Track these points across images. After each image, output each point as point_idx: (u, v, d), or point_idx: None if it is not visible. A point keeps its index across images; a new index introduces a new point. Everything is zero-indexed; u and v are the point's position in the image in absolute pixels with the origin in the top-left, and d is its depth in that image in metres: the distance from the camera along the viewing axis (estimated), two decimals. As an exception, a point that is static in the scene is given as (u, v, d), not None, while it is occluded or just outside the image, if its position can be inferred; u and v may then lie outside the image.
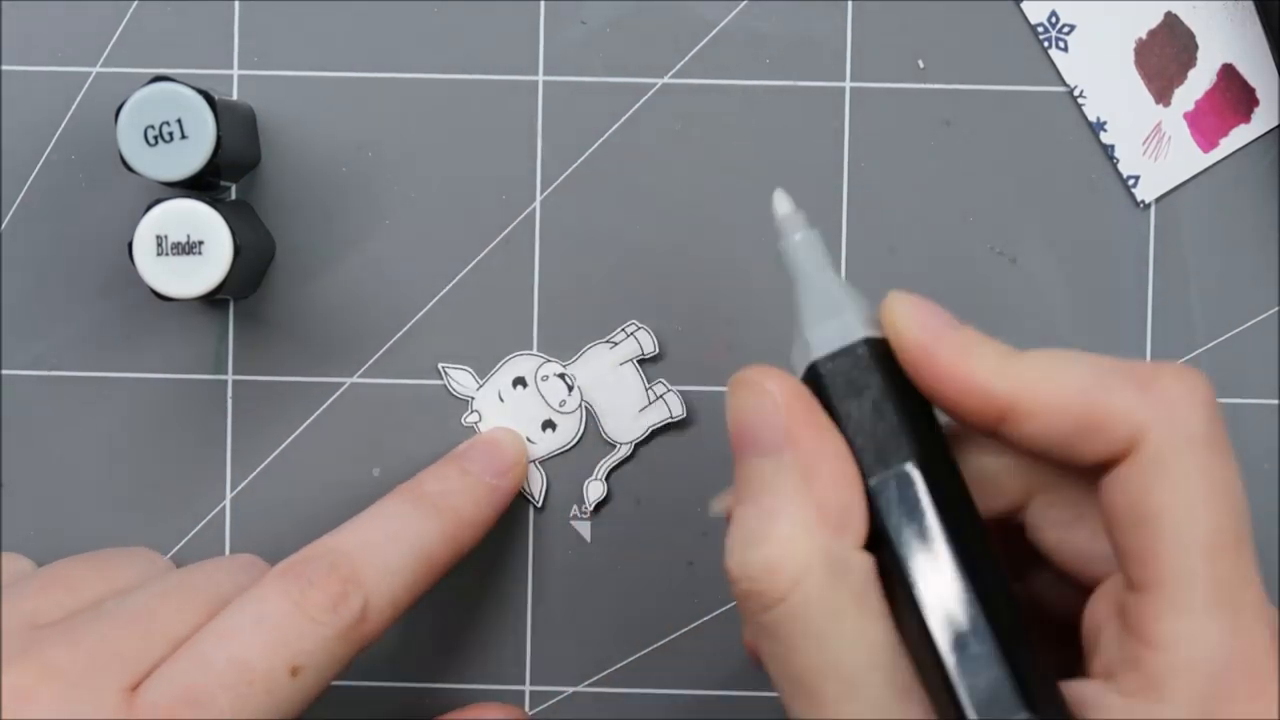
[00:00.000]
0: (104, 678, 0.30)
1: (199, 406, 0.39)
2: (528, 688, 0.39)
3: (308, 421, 0.39)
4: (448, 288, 0.38)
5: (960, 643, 0.26)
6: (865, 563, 0.27)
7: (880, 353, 0.28)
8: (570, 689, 0.39)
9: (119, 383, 0.38)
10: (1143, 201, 0.38)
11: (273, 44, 0.38)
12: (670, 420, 0.38)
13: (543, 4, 0.38)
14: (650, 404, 0.38)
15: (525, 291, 0.38)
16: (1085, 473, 0.28)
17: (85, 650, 0.31)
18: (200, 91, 0.34)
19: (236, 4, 0.38)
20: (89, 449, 0.38)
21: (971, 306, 0.38)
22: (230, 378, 0.39)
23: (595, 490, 0.38)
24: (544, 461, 0.38)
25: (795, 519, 0.27)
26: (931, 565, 0.27)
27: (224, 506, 0.39)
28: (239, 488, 0.39)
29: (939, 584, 0.26)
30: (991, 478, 0.29)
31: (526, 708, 0.39)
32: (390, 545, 0.34)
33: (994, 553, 0.27)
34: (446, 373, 0.38)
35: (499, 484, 0.37)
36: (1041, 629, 0.29)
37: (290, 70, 0.38)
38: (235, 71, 0.38)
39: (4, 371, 0.38)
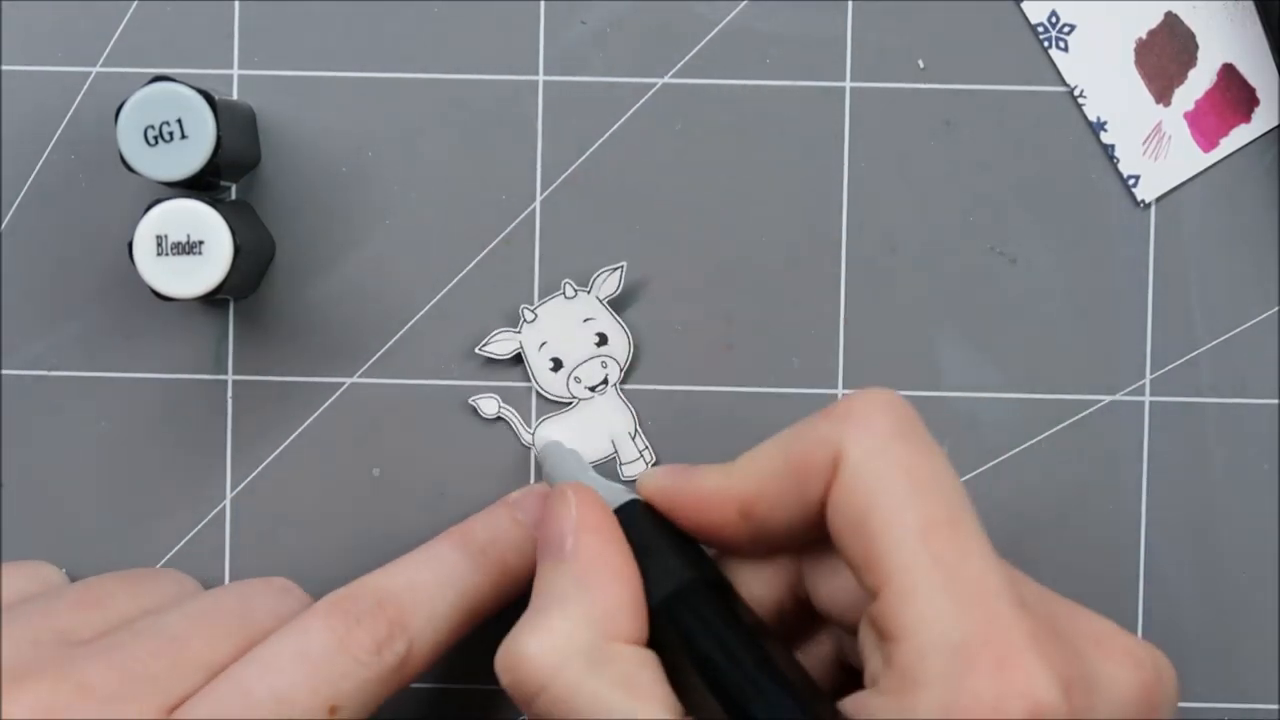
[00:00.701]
0: (139, 700, 0.30)
1: (199, 406, 0.38)
2: (528, 688, 0.39)
3: (308, 421, 0.39)
4: (448, 288, 0.38)
5: (750, 697, 0.28)
6: (633, 654, 0.29)
7: (646, 509, 0.32)
8: (570, 689, 0.39)
9: (119, 383, 0.38)
10: (1143, 201, 0.38)
11: (273, 44, 0.38)
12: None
13: (543, 4, 0.38)
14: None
15: (525, 292, 0.38)
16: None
17: (120, 671, 0.30)
18: (200, 91, 0.34)
19: (236, 4, 0.38)
20: (89, 449, 0.38)
21: (971, 306, 0.38)
22: (230, 378, 0.39)
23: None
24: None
25: (560, 616, 0.30)
26: (716, 656, 0.29)
27: (224, 506, 0.39)
28: (239, 488, 0.39)
29: (727, 669, 0.29)
30: (759, 571, 0.32)
31: (526, 708, 0.39)
32: (438, 590, 0.33)
33: (767, 634, 0.30)
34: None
35: None
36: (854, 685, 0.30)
37: (290, 70, 0.38)
38: (235, 71, 0.38)
39: (4, 371, 0.38)
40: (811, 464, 0.29)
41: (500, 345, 0.38)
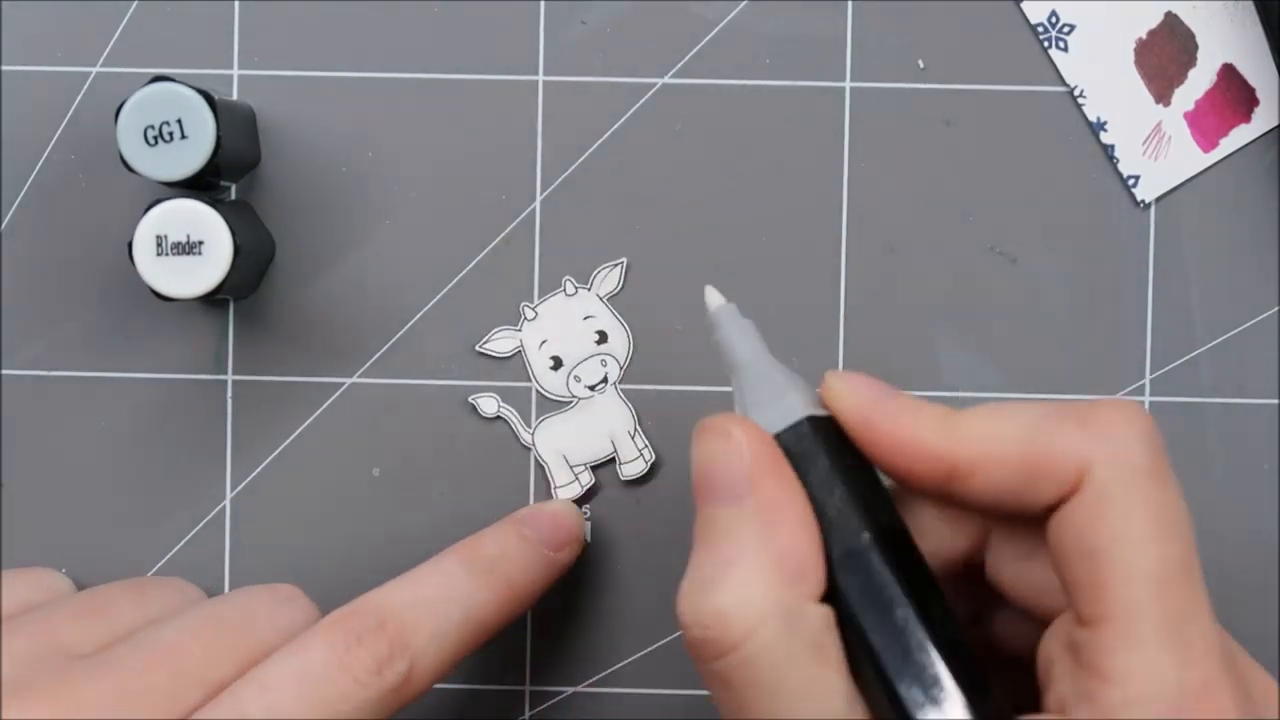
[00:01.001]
0: (137, 717, 0.30)
1: (199, 406, 0.39)
2: (528, 688, 0.39)
3: (308, 421, 0.39)
4: (448, 287, 0.38)
5: (921, 695, 0.27)
6: (821, 614, 0.28)
7: (824, 430, 0.29)
8: (570, 689, 0.39)
9: (119, 383, 0.38)
10: (1143, 201, 0.38)
11: (273, 44, 0.38)
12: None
13: (543, 4, 0.38)
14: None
15: (525, 292, 0.38)
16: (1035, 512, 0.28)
17: (117, 688, 0.30)
18: (200, 91, 0.34)
19: (236, 4, 0.38)
20: (89, 449, 0.38)
21: (971, 306, 0.38)
22: (230, 378, 0.39)
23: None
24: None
25: (752, 568, 0.28)
26: (889, 627, 0.27)
27: (224, 506, 0.39)
28: (239, 488, 0.39)
29: (897, 643, 0.27)
30: (946, 526, 0.30)
31: (526, 708, 0.39)
32: (441, 608, 0.33)
33: (947, 609, 0.28)
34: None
35: (555, 557, 0.36)
36: (1005, 666, 0.30)
37: (290, 70, 0.38)
38: (235, 71, 0.38)
39: (4, 371, 0.38)
40: (1051, 469, 0.28)
41: (500, 343, 0.38)
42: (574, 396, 0.38)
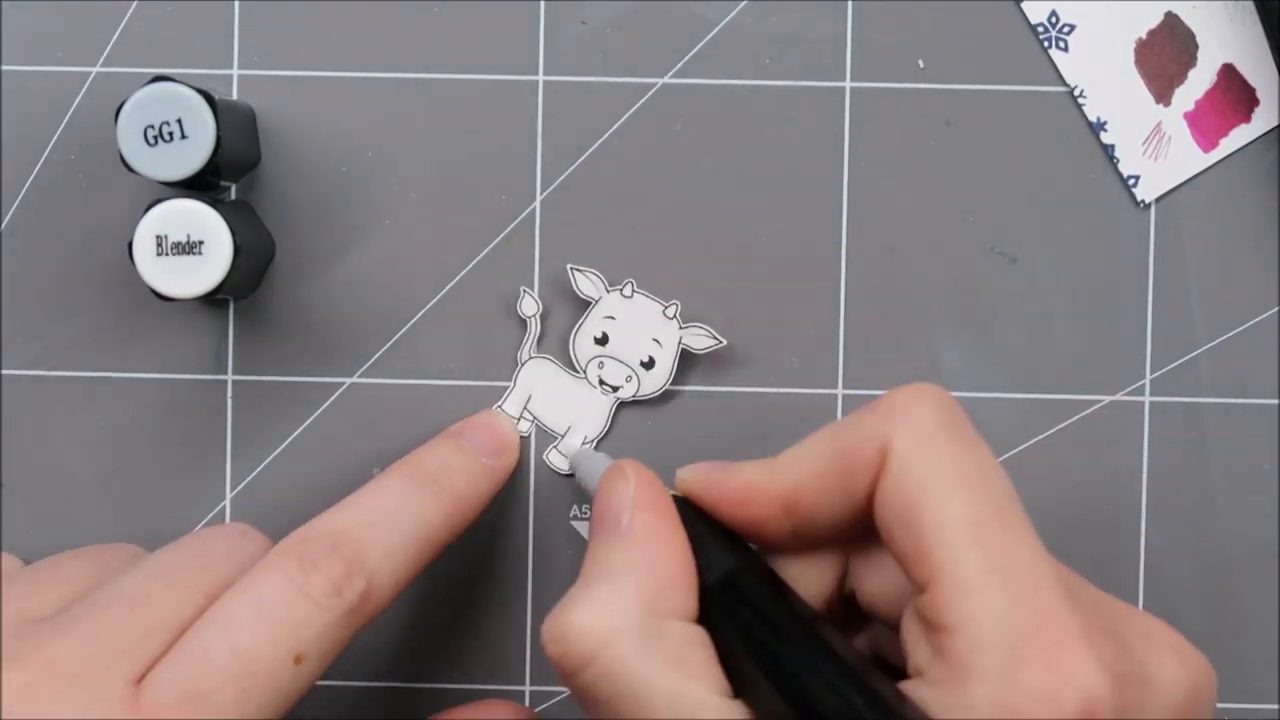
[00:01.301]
0: (106, 672, 0.30)
1: (199, 406, 0.39)
2: (528, 688, 0.39)
3: (308, 421, 0.39)
4: (448, 287, 0.38)
5: (810, 678, 0.28)
6: (685, 630, 0.29)
7: (682, 505, 0.32)
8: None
9: (119, 383, 0.38)
10: (1143, 201, 0.38)
11: (273, 44, 0.38)
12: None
13: (543, 4, 0.38)
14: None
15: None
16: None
17: (84, 644, 0.30)
18: (200, 91, 0.34)
19: (236, 4, 0.38)
20: (89, 449, 0.38)
21: (971, 306, 0.38)
22: (230, 378, 0.39)
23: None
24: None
25: (614, 589, 0.30)
26: (767, 635, 0.29)
27: (224, 506, 0.39)
28: (239, 488, 0.39)
29: (779, 641, 0.29)
30: (809, 569, 0.32)
31: (526, 708, 0.39)
32: (392, 524, 0.33)
33: (817, 615, 0.30)
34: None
35: (494, 464, 0.37)
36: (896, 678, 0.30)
37: (290, 70, 0.38)
38: (235, 71, 0.38)
39: (4, 371, 0.38)
40: (858, 458, 0.29)
41: (586, 284, 0.38)
42: (582, 371, 0.38)
